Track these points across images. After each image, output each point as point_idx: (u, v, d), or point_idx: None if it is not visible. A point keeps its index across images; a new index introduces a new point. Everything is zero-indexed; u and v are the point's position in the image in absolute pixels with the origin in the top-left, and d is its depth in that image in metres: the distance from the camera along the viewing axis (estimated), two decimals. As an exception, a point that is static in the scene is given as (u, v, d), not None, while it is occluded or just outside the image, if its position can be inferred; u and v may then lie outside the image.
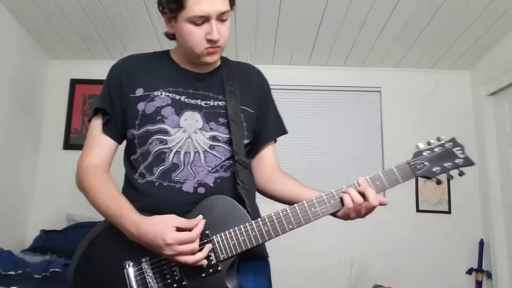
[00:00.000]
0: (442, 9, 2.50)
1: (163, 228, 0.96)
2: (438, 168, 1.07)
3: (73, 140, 3.14)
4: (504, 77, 2.80)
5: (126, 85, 1.15)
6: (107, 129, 1.16)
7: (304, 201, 1.05)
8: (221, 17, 1.09)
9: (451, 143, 1.10)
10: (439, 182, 1.09)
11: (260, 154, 1.29)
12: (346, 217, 1.07)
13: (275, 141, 1.35)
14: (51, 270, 2.23)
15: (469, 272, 2.99)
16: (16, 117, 2.81)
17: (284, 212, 1.04)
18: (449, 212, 3.09)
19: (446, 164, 1.07)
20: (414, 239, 3.05)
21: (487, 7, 2.47)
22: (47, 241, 2.72)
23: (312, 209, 1.04)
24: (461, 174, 1.08)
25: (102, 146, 1.16)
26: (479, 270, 2.94)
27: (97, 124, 1.17)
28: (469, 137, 3.19)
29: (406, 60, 3.18)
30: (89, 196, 1.10)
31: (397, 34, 2.80)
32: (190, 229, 0.98)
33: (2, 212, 2.68)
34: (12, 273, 2.20)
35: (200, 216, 1.01)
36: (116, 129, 1.17)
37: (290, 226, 1.03)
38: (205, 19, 1.07)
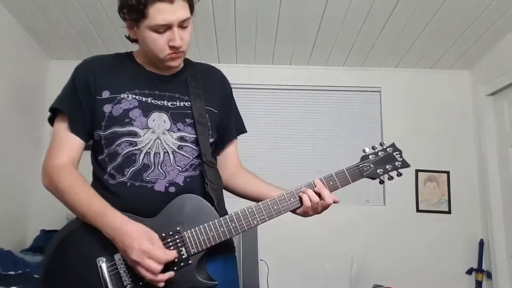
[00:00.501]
0: (442, 9, 2.51)
1: (145, 236, 1.01)
2: (381, 170, 1.19)
3: None
4: (504, 77, 2.80)
5: (93, 86, 1.17)
6: (74, 128, 1.16)
7: (267, 200, 1.13)
8: (182, 24, 1.12)
9: (391, 148, 1.23)
10: (381, 182, 1.21)
11: (223, 152, 1.35)
12: (305, 214, 1.17)
13: (236, 138, 1.41)
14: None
15: (469, 272, 2.99)
16: (16, 117, 2.81)
17: (250, 210, 1.12)
18: (449, 212, 3.10)
19: (388, 166, 1.20)
20: (414, 239, 3.05)
21: (487, 7, 2.47)
22: (47, 241, 2.72)
23: (275, 206, 1.13)
24: (399, 175, 1.21)
25: (70, 145, 1.16)
26: (479, 270, 2.94)
27: (62, 123, 1.17)
28: (469, 137, 3.20)
29: (406, 60, 3.18)
30: (66, 196, 1.10)
31: (397, 34, 2.80)
32: (163, 253, 1.02)
33: (2, 212, 2.68)
34: (12, 273, 2.20)
35: (175, 252, 1.05)
36: (84, 128, 1.17)
37: (255, 222, 1.12)
38: (167, 27, 1.11)
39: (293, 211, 1.16)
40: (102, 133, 1.15)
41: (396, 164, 1.21)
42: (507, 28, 2.69)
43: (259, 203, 1.13)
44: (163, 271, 1.02)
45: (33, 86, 3.07)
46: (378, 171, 1.19)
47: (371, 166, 1.19)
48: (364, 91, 3.33)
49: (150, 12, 1.08)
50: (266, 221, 1.13)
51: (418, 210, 3.11)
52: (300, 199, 1.14)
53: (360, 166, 1.19)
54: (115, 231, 1.03)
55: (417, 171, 3.14)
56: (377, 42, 2.92)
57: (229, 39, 2.92)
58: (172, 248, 1.07)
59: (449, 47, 2.95)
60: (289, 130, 3.26)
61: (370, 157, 1.20)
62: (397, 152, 1.22)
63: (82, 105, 1.16)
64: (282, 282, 2.97)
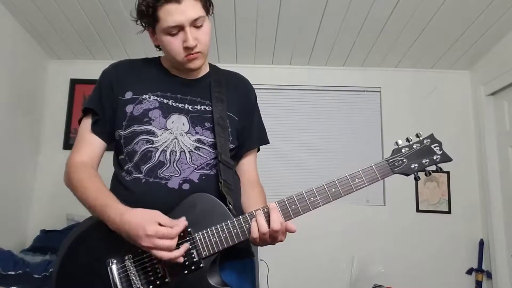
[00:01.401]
0: (442, 9, 2.51)
1: (146, 220, 0.98)
2: (416, 165, 1.07)
3: (73, 140, 3.05)
4: (504, 77, 2.80)
5: (117, 88, 1.18)
6: (96, 129, 1.19)
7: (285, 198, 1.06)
8: (195, 24, 1.11)
9: (429, 140, 1.11)
10: (417, 179, 1.08)
11: (240, 162, 1.31)
12: (254, 243, 1.06)
13: (258, 150, 1.37)
14: (51, 270, 2.23)
15: (469, 272, 2.99)
16: (16, 117, 2.81)
17: (265, 210, 1.05)
18: (449, 212, 3.09)
19: (424, 161, 1.07)
20: (414, 239, 3.05)
21: (487, 7, 2.47)
22: (47, 241, 2.72)
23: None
24: (438, 170, 1.08)
25: (90, 145, 1.19)
26: (479, 270, 2.94)
27: (86, 123, 1.21)
28: (469, 137, 3.20)
29: (406, 60, 3.18)
30: (78, 191, 1.11)
31: (397, 34, 2.80)
32: (171, 227, 1.00)
33: (2, 212, 2.68)
34: (12, 273, 2.20)
35: (183, 218, 1.02)
36: (105, 129, 1.19)
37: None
38: (180, 28, 1.10)
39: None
40: (122, 133, 1.16)
41: (435, 158, 1.08)
42: (507, 28, 2.69)
43: (276, 201, 1.06)
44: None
45: (33, 86, 3.07)
46: (412, 166, 1.06)
47: (404, 160, 1.06)
48: (364, 91, 3.33)
49: (160, 15, 1.09)
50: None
51: (418, 210, 3.11)
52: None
53: (390, 161, 1.06)
54: (117, 223, 1.01)
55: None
56: (377, 42, 2.92)
57: (229, 39, 2.92)
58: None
59: (449, 47, 2.95)
60: (289, 130, 3.26)
61: (403, 150, 1.08)
62: (436, 144, 1.10)
63: (105, 106, 1.18)
64: (282, 282, 2.97)
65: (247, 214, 1.06)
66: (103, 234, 1.06)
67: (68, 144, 3.14)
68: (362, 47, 3.00)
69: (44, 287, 2.10)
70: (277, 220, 1.01)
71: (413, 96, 3.27)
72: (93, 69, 3.19)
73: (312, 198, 1.05)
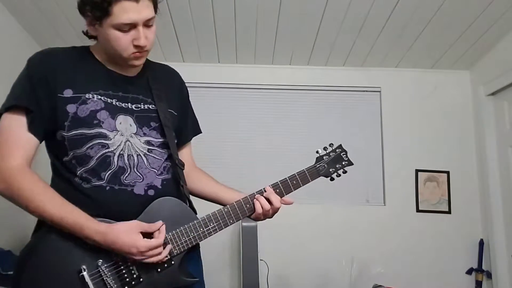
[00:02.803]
0: (442, 9, 2.50)
1: (132, 237, 1.04)
2: (333, 169, 1.35)
3: None
4: (504, 77, 2.80)
5: (53, 82, 1.10)
6: (33, 128, 1.09)
7: (241, 199, 1.23)
8: (147, 23, 1.11)
9: (339, 149, 1.38)
10: (332, 179, 1.36)
11: (179, 153, 1.33)
12: (257, 219, 1.26)
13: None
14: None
15: (469, 272, 2.99)
16: (16, 117, 2.81)
17: (226, 209, 1.19)
18: (449, 212, 3.09)
19: (337, 166, 1.36)
20: (414, 239, 3.05)
21: (487, 7, 2.47)
22: (47, 241, 2.72)
23: (247, 205, 1.23)
24: (344, 172, 1.37)
25: (26, 145, 1.09)
26: (479, 270, 2.94)
27: (17, 120, 1.08)
28: (469, 137, 3.20)
29: (406, 60, 3.18)
30: (30, 203, 1.05)
31: (397, 34, 2.80)
32: (151, 233, 1.08)
33: (2, 212, 2.68)
34: (12, 273, 2.19)
35: (160, 222, 1.10)
36: (42, 127, 1.10)
37: (231, 221, 1.20)
38: (132, 26, 1.08)
39: (248, 216, 1.25)
40: (66, 134, 1.09)
41: (343, 163, 1.37)
42: (507, 28, 2.69)
43: (234, 203, 1.21)
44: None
45: (33, 86, 3.07)
46: (330, 170, 1.34)
47: (325, 166, 1.34)
48: (364, 91, 3.33)
49: (115, 10, 1.05)
50: (241, 219, 1.23)
51: (418, 210, 3.11)
52: (253, 205, 1.22)
53: (317, 166, 1.33)
54: (102, 245, 1.04)
55: (417, 171, 3.14)
56: (377, 42, 2.92)
57: (229, 39, 2.92)
58: None
59: (449, 47, 2.95)
60: (289, 130, 3.26)
61: (324, 158, 1.35)
62: (344, 153, 1.38)
63: (41, 102, 1.08)
64: (282, 282, 2.97)
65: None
66: (68, 240, 1.04)
67: (68, 144, 3.13)
68: (362, 47, 3.00)
69: (44, 287, 2.10)
70: (278, 200, 1.24)
71: (413, 96, 3.27)
72: (93, 69, 3.23)
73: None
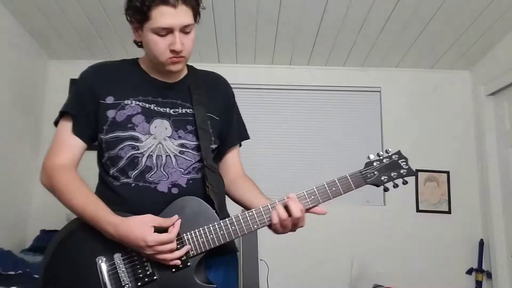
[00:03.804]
0: (442, 9, 2.51)
1: (143, 230, 1.03)
2: (386, 177, 1.17)
3: None
4: (504, 77, 2.80)
5: (98, 91, 1.20)
6: (77, 131, 1.20)
7: (268, 204, 1.13)
8: (184, 30, 1.14)
9: (397, 155, 1.20)
10: (386, 190, 1.20)
11: (224, 158, 1.36)
12: (276, 231, 1.14)
13: (240, 145, 1.42)
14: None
15: (469, 272, 2.99)
16: (16, 117, 2.81)
17: (250, 213, 1.12)
18: (449, 212, 3.10)
19: (392, 174, 1.18)
20: (414, 239, 3.05)
21: (487, 7, 2.47)
22: (47, 241, 2.69)
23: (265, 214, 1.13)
24: (404, 183, 1.19)
25: (71, 147, 1.20)
26: (479, 270, 2.94)
27: (65, 125, 1.21)
28: (469, 137, 3.20)
29: (406, 60, 3.18)
30: (64, 197, 1.14)
31: (397, 34, 2.80)
32: (166, 228, 1.06)
33: (2, 212, 2.68)
34: (12, 273, 2.20)
35: (176, 216, 1.09)
36: (86, 130, 1.21)
37: (255, 226, 1.12)
38: (169, 30, 1.13)
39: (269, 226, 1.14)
40: (104, 137, 1.18)
41: (402, 171, 1.18)
42: (507, 28, 2.69)
43: (260, 206, 1.13)
44: (151, 286, 1.06)
45: (33, 86, 3.07)
46: (382, 178, 1.17)
47: (375, 173, 1.17)
48: (364, 91, 3.33)
49: (153, 14, 1.10)
50: (266, 225, 1.12)
51: (418, 210, 3.11)
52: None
53: (364, 172, 1.17)
54: (114, 237, 1.06)
55: (417, 171, 3.14)
56: (377, 42, 2.92)
57: (229, 39, 2.92)
58: None
59: (449, 47, 2.95)
60: (289, 130, 3.26)
61: (374, 163, 1.18)
62: (403, 160, 1.20)
63: (86, 108, 1.20)
64: (282, 282, 2.97)
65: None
66: (91, 234, 1.09)
67: (68, 144, 3.13)
68: (362, 47, 3.00)
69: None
70: (297, 208, 1.10)
71: (413, 96, 3.27)
72: (93, 69, 3.23)
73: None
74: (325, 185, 1.14)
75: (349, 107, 3.32)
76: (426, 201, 3.12)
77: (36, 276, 2.19)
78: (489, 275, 2.92)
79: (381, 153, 1.20)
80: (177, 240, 1.08)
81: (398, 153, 1.21)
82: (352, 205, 3.10)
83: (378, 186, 1.17)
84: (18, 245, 2.79)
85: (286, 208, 1.10)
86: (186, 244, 1.09)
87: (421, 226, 3.07)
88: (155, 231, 1.04)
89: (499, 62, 2.88)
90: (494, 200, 2.92)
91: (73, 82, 3.23)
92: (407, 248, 3.04)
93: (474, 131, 3.18)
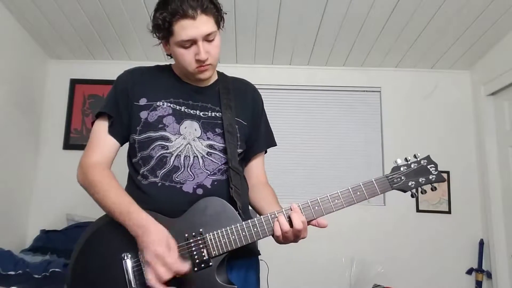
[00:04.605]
0: (442, 9, 2.51)
1: (163, 241, 1.05)
2: (413, 182, 1.15)
3: (73, 140, 3.14)
4: (504, 77, 2.80)
5: (132, 93, 1.25)
6: (112, 131, 1.25)
7: (271, 213, 1.13)
8: (207, 38, 1.18)
9: (425, 160, 1.18)
10: (413, 196, 1.16)
11: (249, 164, 1.40)
12: (278, 242, 1.15)
13: (265, 152, 1.45)
14: (51, 270, 2.23)
15: (469, 272, 2.99)
16: (16, 117, 2.81)
17: (272, 215, 1.12)
18: (449, 212, 3.09)
19: (421, 180, 1.16)
20: (414, 239, 3.05)
21: (487, 7, 2.47)
22: (47, 241, 2.72)
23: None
24: (433, 189, 1.16)
25: (106, 146, 1.25)
26: (479, 270, 2.94)
27: (101, 125, 1.26)
28: (469, 137, 3.20)
29: (406, 60, 3.18)
30: (98, 193, 1.16)
31: (397, 34, 2.80)
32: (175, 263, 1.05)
33: (2, 212, 2.68)
34: (12, 273, 2.20)
35: (188, 265, 1.07)
36: (120, 131, 1.25)
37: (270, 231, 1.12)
38: (192, 42, 1.17)
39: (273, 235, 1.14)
40: (137, 137, 1.23)
41: (431, 177, 1.16)
42: (507, 28, 2.69)
43: (268, 214, 1.13)
44: (172, 283, 1.05)
45: (33, 86, 3.07)
46: (410, 184, 1.15)
47: (402, 178, 1.15)
48: (364, 91, 3.33)
49: (175, 29, 1.15)
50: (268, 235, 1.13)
51: (418, 210, 3.11)
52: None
53: (390, 177, 1.15)
54: (139, 229, 1.07)
55: (417, 171, 3.13)
56: (377, 42, 2.92)
57: (229, 39, 2.92)
58: (194, 248, 1.10)
59: (449, 47, 2.95)
60: (289, 130, 3.26)
61: (401, 168, 1.16)
62: (432, 165, 1.17)
63: (121, 109, 1.24)
64: (282, 282, 2.97)
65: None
66: (119, 231, 1.11)
67: (68, 144, 3.14)
68: (362, 47, 3.00)
69: (44, 287, 2.10)
70: (298, 220, 1.09)
71: (413, 96, 3.27)
72: (93, 69, 3.24)
73: (316, 207, 1.15)
74: (350, 190, 1.13)
75: (349, 107, 3.32)
76: (426, 201, 3.12)
77: (36, 276, 2.19)
78: (489, 275, 2.92)
79: (409, 157, 1.18)
80: (199, 240, 1.10)
81: (427, 158, 1.19)
82: (352, 205, 3.10)
83: (405, 191, 1.15)
84: (18, 245, 2.80)
85: (289, 219, 1.10)
86: (208, 244, 1.10)
87: (421, 226, 3.07)
88: None
89: (499, 62, 2.88)
90: (494, 200, 2.92)
91: (73, 82, 3.24)
92: (407, 248, 3.04)
93: (474, 131, 3.18)
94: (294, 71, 3.31)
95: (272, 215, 1.12)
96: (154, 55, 3.04)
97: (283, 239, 1.12)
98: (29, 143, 3.02)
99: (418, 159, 1.18)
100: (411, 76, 3.30)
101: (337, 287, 2.97)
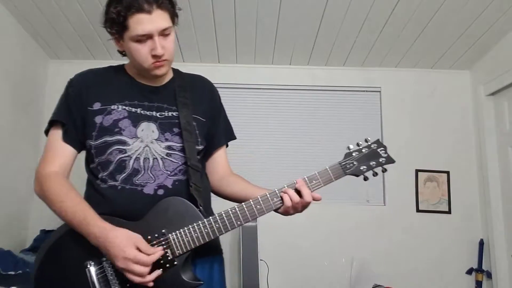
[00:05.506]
0: (442, 9, 2.51)
1: (127, 243, 1.05)
2: (365, 167, 1.19)
3: None
4: (504, 77, 2.80)
5: (85, 98, 1.22)
6: (67, 138, 1.21)
7: (250, 200, 1.15)
8: (163, 33, 1.17)
9: (375, 144, 1.22)
10: (365, 179, 1.21)
11: (212, 158, 1.39)
12: (286, 213, 1.19)
13: (227, 146, 1.44)
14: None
15: (469, 272, 3.00)
16: (16, 117, 2.81)
17: (233, 210, 1.14)
18: (449, 212, 3.10)
19: (372, 163, 1.20)
20: (414, 239, 3.05)
21: (487, 7, 2.47)
22: (47, 241, 2.72)
23: (258, 206, 1.15)
24: (384, 170, 1.21)
25: (61, 154, 1.21)
26: (479, 270, 2.94)
27: (55, 134, 1.22)
28: (469, 137, 3.20)
29: (406, 60, 3.18)
30: (54, 203, 1.14)
31: (397, 34, 2.80)
32: (148, 254, 1.06)
33: (2, 212, 2.68)
34: (12, 273, 2.20)
35: (161, 248, 1.09)
36: (75, 137, 1.22)
37: (238, 222, 1.14)
38: (148, 36, 1.15)
39: (275, 210, 1.18)
40: (93, 143, 1.19)
41: (381, 160, 1.20)
42: (507, 28, 2.69)
43: (243, 203, 1.15)
44: (151, 270, 1.06)
45: (33, 86, 3.07)
46: (361, 168, 1.19)
47: (354, 163, 1.19)
48: (364, 91, 3.33)
49: (130, 23, 1.13)
50: (249, 220, 1.15)
51: (418, 210, 3.11)
52: (282, 198, 1.16)
53: (343, 163, 1.19)
54: (99, 240, 1.06)
55: (417, 171, 3.14)
56: (377, 42, 2.92)
57: (229, 39, 2.92)
58: None
59: (449, 47, 2.95)
60: (289, 130, 3.26)
61: (353, 154, 1.20)
62: (382, 148, 1.21)
63: (75, 116, 1.21)
64: (282, 282, 2.97)
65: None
66: (80, 239, 1.10)
67: (68, 144, 3.14)
68: (362, 47, 3.00)
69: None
70: (309, 194, 1.15)
71: (413, 96, 3.27)
72: (93, 69, 3.23)
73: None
74: (306, 179, 1.17)
75: (349, 107, 3.32)
76: (426, 201, 3.12)
77: (36, 276, 2.18)
78: (489, 275, 2.92)
79: (361, 143, 1.22)
80: (162, 241, 1.10)
81: (377, 141, 1.23)
82: (352, 205, 3.10)
83: (357, 176, 1.19)
84: (18, 245, 2.79)
85: (297, 192, 1.15)
86: (172, 244, 1.10)
87: (421, 226, 3.07)
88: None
89: (499, 62, 2.88)
90: (494, 200, 2.92)
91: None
92: (407, 248, 3.04)
93: (474, 131, 3.18)
94: (294, 71, 3.31)
95: (272, 194, 1.16)
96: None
97: (292, 210, 1.16)
98: (29, 143, 3.02)
99: (369, 143, 1.22)
100: (411, 76, 3.30)
101: (337, 287, 2.97)
